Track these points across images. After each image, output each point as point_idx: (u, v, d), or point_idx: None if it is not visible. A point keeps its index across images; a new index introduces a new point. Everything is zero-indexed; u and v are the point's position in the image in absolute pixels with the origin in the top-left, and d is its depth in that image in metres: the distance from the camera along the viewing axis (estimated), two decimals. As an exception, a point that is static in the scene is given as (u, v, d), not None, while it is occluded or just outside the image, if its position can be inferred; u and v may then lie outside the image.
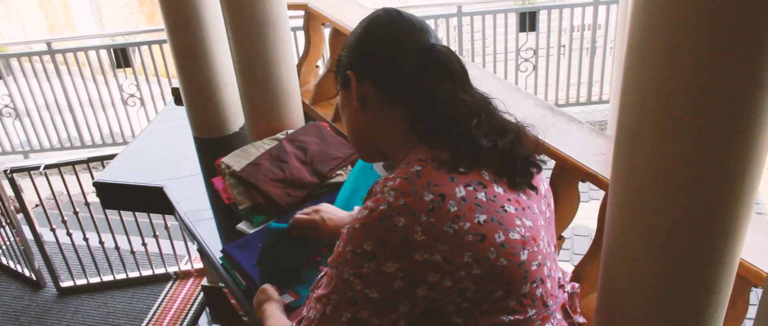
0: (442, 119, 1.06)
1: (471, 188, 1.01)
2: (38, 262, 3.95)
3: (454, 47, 5.39)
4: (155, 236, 3.82)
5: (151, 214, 3.80)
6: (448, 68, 1.08)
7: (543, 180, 1.19)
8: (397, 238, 0.95)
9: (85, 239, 3.81)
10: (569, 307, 1.24)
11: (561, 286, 1.22)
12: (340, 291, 1.00)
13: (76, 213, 3.67)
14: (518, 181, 1.09)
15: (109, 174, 2.54)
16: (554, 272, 1.16)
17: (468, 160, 1.04)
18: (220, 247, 1.88)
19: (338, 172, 2.09)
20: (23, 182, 3.64)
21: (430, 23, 5.51)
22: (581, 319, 1.26)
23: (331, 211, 1.55)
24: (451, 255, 0.96)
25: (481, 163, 1.05)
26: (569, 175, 1.63)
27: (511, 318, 1.05)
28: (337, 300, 1.01)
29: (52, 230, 3.78)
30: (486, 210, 1.00)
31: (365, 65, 1.12)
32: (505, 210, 1.03)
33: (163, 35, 2.82)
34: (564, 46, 5.52)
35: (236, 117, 2.73)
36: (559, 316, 1.18)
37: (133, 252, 3.90)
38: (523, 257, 1.03)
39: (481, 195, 1.01)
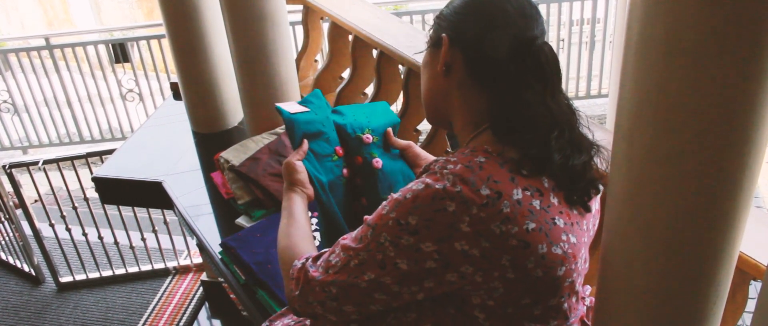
0: (521, 120, 1.02)
1: (528, 193, 0.98)
2: (37, 258, 3.95)
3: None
4: (154, 231, 3.82)
5: (150, 209, 3.80)
6: (542, 69, 1.02)
7: (596, 200, 1.15)
8: (444, 222, 0.94)
9: (84, 234, 3.81)
10: (587, 318, 1.24)
11: (582, 299, 1.22)
12: (371, 251, 1.00)
13: (75, 208, 3.67)
14: (575, 200, 1.06)
15: (108, 169, 2.54)
16: (581, 286, 1.15)
17: (535, 165, 1.01)
18: (220, 242, 1.88)
19: (337, 167, 2.09)
20: (22, 178, 3.64)
21: (429, 18, 5.52)
22: None
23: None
24: (490, 253, 0.95)
25: (545, 171, 1.02)
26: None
27: (532, 325, 1.05)
28: (365, 259, 1.00)
29: (51, 225, 3.78)
30: (537, 219, 0.98)
31: (463, 34, 1.06)
32: (555, 223, 1.00)
33: (162, 30, 2.82)
34: (563, 40, 5.51)
35: (235, 112, 2.73)
36: None
37: (132, 248, 3.90)
38: (560, 273, 1.01)
39: (536, 203, 0.99)
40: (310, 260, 1.12)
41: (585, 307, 1.24)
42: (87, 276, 3.95)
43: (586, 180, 1.06)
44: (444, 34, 1.08)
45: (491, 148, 1.02)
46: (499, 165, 0.99)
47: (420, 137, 2.33)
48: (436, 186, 0.96)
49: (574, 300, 1.11)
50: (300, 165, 1.45)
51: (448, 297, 1.03)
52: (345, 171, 1.56)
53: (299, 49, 2.90)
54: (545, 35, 1.07)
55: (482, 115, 1.07)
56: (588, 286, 1.35)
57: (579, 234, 1.06)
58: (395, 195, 1.01)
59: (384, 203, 1.03)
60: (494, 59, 1.04)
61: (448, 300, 1.04)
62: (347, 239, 1.06)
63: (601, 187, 1.12)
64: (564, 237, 1.01)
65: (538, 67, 1.02)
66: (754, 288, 1.41)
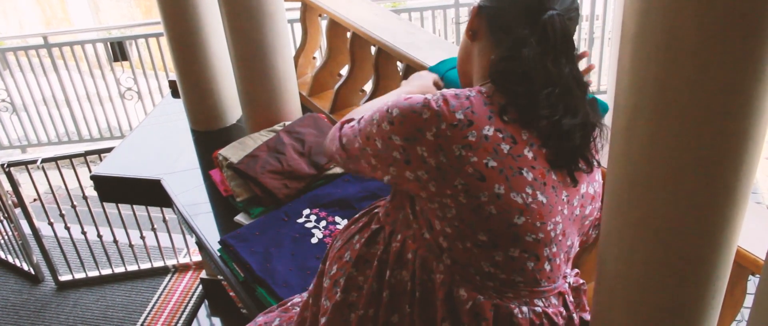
0: (516, 73, 1.08)
1: (500, 135, 1.06)
2: (36, 256, 3.94)
3: (451, 39, 5.38)
4: (153, 229, 3.82)
5: (148, 208, 3.79)
6: (546, 35, 1.08)
7: (592, 182, 1.19)
8: (414, 124, 1.05)
9: (84, 233, 3.81)
10: (573, 303, 1.25)
11: (563, 277, 1.23)
12: (367, 122, 1.15)
13: (73, 207, 3.67)
14: (557, 161, 1.11)
15: (107, 167, 2.54)
16: (561, 264, 1.17)
17: (519, 115, 1.08)
18: (219, 240, 1.88)
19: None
20: (21, 176, 3.63)
21: (428, 15, 5.52)
22: (586, 316, 1.27)
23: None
24: (445, 169, 1.04)
25: (530, 126, 1.08)
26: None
27: (492, 270, 1.10)
28: (362, 127, 1.16)
29: (50, 224, 3.78)
30: (499, 160, 1.05)
31: (489, 2, 1.16)
32: (520, 173, 1.06)
33: (160, 28, 2.82)
34: (562, 37, 5.49)
35: (233, 109, 2.73)
36: (554, 301, 1.20)
37: (131, 246, 3.90)
38: (518, 221, 1.06)
39: (505, 147, 1.06)
40: (341, 122, 1.29)
41: (566, 284, 1.25)
42: (86, 274, 3.95)
43: (574, 144, 1.10)
44: (477, 4, 1.19)
45: (485, 89, 1.11)
46: (483, 103, 1.08)
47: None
48: (426, 96, 1.07)
49: (547, 267, 1.13)
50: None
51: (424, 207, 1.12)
52: None
53: (297, 46, 2.90)
54: (572, 13, 1.12)
55: (489, 69, 1.15)
56: (576, 269, 1.35)
57: (553, 199, 1.10)
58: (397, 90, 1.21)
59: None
60: (507, 21, 1.13)
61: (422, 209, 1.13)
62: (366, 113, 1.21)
63: (594, 162, 1.16)
64: (529, 190, 1.07)
65: (543, 33, 1.08)
66: (753, 283, 1.42)
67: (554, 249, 1.13)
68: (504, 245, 1.08)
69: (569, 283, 1.26)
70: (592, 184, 1.19)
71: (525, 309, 1.15)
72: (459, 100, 1.06)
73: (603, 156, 1.13)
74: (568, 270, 1.25)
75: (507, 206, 1.05)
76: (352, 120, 1.26)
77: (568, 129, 1.09)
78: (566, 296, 1.23)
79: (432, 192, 1.07)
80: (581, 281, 1.31)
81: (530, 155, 1.08)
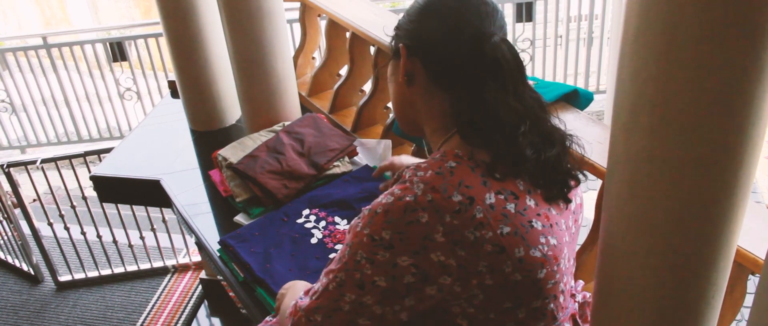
0: (485, 121, 1.00)
1: (502, 197, 0.97)
2: (36, 257, 3.94)
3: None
4: (153, 229, 3.82)
5: (148, 208, 3.79)
6: (500, 66, 1.00)
7: (578, 194, 1.14)
8: (418, 234, 0.93)
9: (83, 233, 3.81)
10: (579, 317, 1.23)
11: (572, 296, 1.21)
12: (349, 270, 0.98)
13: (73, 207, 3.67)
14: (555, 194, 1.05)
15: (106, 167, 2.53)
16: (568, 285, 1.14)
17: (507, 166, 1.00)
18: (218, 240, 1.88)
19: (335, 164, 2.09)
20: (20, 177, 3.63)
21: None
22: None
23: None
24: (466, 261, 0.94)
25: (520, 173, 1.01)
26: (566, 165, 1.62)
27: None
28: (344, 279, 0.98)
29: (50, 225, 3.78)
30: (511, 223, 0.96)
31: (418, 41, 1.06)
32: (532, 226, 0.99)
33: (159, 29, 2.81)
34: (561, 36, 5.50)
35: (233, 109, 2.72)
36: None
37: (130, 246, 3.90)
38: (541, 275, 1.00)
39: (511, 207, 0.98)
40: (302, 293, 1.09)
41: (576, 304, 1.23)
42: (86, 275, 3.95)
43: (563, 172, 1.06)
44: (401, 44, 1.08)
45: (461, 151, 1.01)
46: (470, 169, 0.98)
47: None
48: (407, 199, 0.94)
49: (561, 300, 1.09)
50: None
51: (430, 312, 1.01)
52: None
53: (297, 46, 2.90)
54: (504, 31, 1.06)
55: (449, 119, 1.06)
56: (581, 281, 1.34)
57: (559, 234, 1.05)
58: (367, 210, 0.99)
59: (357, 219, 1.01)
60: (452, 62, 1.04)
61: (430, 316, 1.02)
62: (331, 264, 1.04)
63: (580, 176, 1.11)
64: (543, 240, 1.00)
65: (496, 66, 1.01)
66: (753, 282, 1.42)
67: (565, 279, 1.09)
68: (527, 301, 1.02)
69: (578, 302, 1.24)
70: (578, 195, 1.15)
71: None
72: (446, 180, 0.95)
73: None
74: (572, 284, 1.20)
75: (530, 266, 0.98)
76: (297, 306, 1.04)
77: (554, 161, 1.03)
78: (575, 316, 1.21)
79: (457, 292, 0.97)
80: (587, 295, 1.28)
81: (532, 203, 1.01)
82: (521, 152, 0.99)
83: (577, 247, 1.49)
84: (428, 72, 1.06)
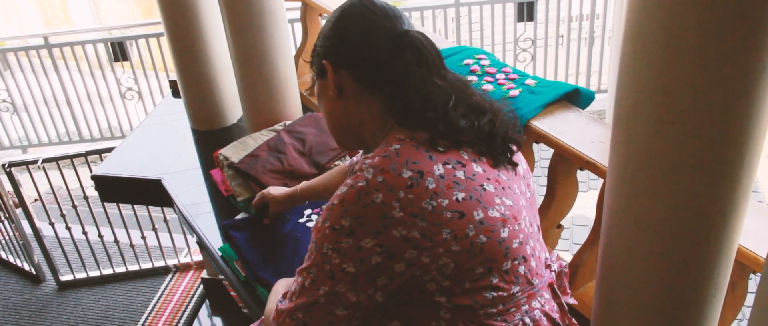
0: (417, 103, 1.07)
1: (449, 166, 1.03)
2: (37, 256, 3.94)
3: (451, 38, 5.38)
4: (154, 229, 3.82)
5: (149, 207, 3.80)
6: (421, 53, 1.08)
7: (521, 160, 1.21)
8: (375, 214, 0.97)
9: (85, 233, 3.81)
10: (558, 287, 1.26)
11: (548, 266, 1.24)
12: (318, 264, 1.02)
13: (74, 207, 3.67)
14: (499, 158, 1.11)
15: (108, 167, 2.54)
16: (539, 252, 1.18)
17: (447, 140, 1.06)
18: (220, 240, 1.88)
19: (336, 163, 2.09)
20: (22, 177, 3.64)
21: (428, 14, 5.51)
22: (571, 300, 1.28)
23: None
24: (428, 231, 0.98)
25: (460, 143, 1.07)
26: (568, 164, 1.63)
27: (495, 294, 1.08)
28: (316, 274, 1.03)
29: (51, 224, 3.78)
30: (464, 188, 1.02)
31: (340, 53, 1.13)
32: (485, 189, 1.05)
33: (161, 28, 2.82)
34: (562, 36, 5.50)
35: (234, 109, 2.73)
36: (546, 295, 1.20)
37: (132, 246, 3.90)
38: (504, 234, 1.05)
39: (460, 174, 1.03)
40: (281, 297, 1.13)
41: (553, 274, 1.26)
42: (87, 274, 3.95)
43: (501, 137, 1.11)
44: (325, 61, 1.14)
45: (402, 135, 1.07)
46: (414, 147, 1.04)
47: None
48: (359, 184, 0.99)
49: (533, 264, 1.13)
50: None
51: (408, 294, 1.06)
52: None
53: (298, 46, 2.90)
54: (412, 28, 1.13)
55: (384, 116, 1.12)
56: (555, 252, 1.36)
57: (514, 197, 1.10)
58: (326, 204, 1.04)
59: (318, 217, 1.06)
60: (376, 63, 1.10)
61: (410, 300, 1.07)
62: (304, 263, 1.08)
63: (518, 139, 1.17)
64: (498, 201, 1.06)
65: (418, 54, 1.08)
66: (754, 281, 1.42)
67: (532, 243, 1.14)
68: (498, 264, 1.06)
69: (554, 271, 1.27)
70: (522, 161, 1.21)
71: (528, 320, 1.14)
72: (394, 161, 1.01)
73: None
74: (546, 255, 1.25)
75: (492, 226, 1.03)
76: (279, 310, 1.10)
77: (489, 128, 1.09)
78: (553, 285, 1.25)
79: (426, 264, 1.01)
80: (563, 263, 1.32)
81: (480, 169, 1.07)
82: (455, 123, 1.06)
83: (577, 247, 1.49)
84: (356, 79, 1.13)
